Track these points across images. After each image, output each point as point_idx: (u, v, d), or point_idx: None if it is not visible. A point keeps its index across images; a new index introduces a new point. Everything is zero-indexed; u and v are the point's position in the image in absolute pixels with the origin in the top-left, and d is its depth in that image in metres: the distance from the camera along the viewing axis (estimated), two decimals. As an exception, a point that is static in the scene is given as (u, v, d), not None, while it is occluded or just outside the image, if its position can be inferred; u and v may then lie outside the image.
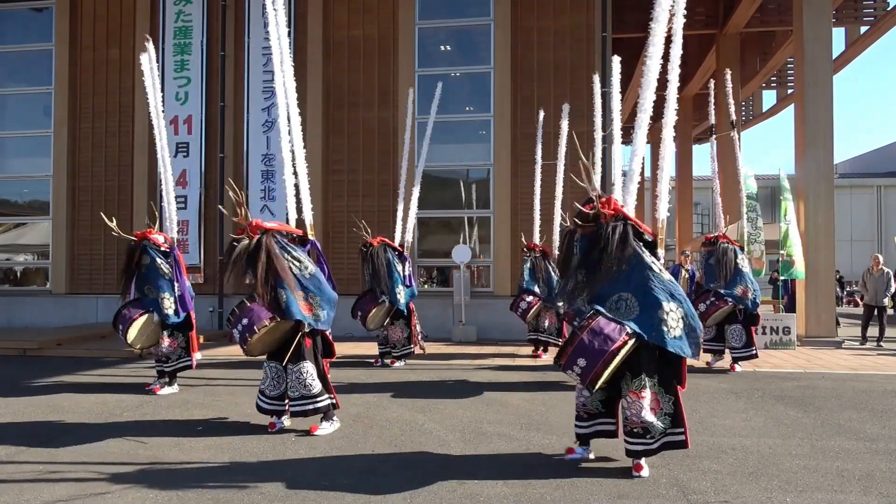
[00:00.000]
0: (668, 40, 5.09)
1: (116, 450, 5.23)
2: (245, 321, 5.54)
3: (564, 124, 10.43)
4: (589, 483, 4.37)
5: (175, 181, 12.90)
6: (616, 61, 7.79)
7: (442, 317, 12.82)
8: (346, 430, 5.79)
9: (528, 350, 10.52)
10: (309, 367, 5.72)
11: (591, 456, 4.90)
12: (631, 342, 4.43)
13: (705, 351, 9.33)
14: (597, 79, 9.26)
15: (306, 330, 5.71)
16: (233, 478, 4.53)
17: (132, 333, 7.40)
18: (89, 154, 14.36)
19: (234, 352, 10.93)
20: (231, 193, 5.99)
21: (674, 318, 4.50)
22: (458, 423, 6.02)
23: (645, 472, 4.49)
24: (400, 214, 10.27)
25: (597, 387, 4.49)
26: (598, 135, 7.63)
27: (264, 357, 5.94)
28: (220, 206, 13.42)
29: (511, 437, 5.54)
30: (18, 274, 15.28)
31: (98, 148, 14.32)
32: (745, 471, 4.64)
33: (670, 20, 5.02)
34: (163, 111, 8.17)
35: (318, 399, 5.71)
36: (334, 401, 5.82)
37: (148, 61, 7.94)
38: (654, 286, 4.53)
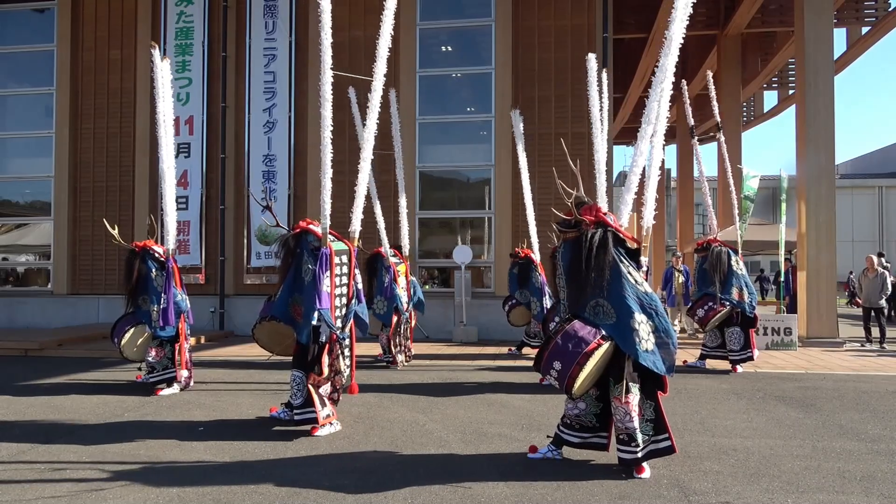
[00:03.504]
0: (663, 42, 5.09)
1: (118, 450, 5.24)
2: (261, 310, 6.24)
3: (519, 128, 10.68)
4: (590, 484, 4.37)
5: (176, 181, 12.95)
6: (592, 58, 7.85)
7: (443, 317, 12.82)
8: (348, 430, 5.79)
9: (527, 351, 10.50)
10: (295, 375, 5.78)
11: (559, 458, 4.89)
12: (606, 345, 4.46)
13: (712, 359, 9.31)
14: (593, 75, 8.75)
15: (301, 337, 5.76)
16: (234, 478, 4.53)
17: (123, 344, 7.75)
18: (90, 154, 14.38)
19: (235, 352, 10.94)
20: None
21: (644, 329, 4.48)
22: (459, 424, 6.02)
23: (646, 474, 4.49)
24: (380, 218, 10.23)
25: (576, 392, 4.52)
26: (601, 137, 7.58)
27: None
28: (221, 207, 13.63)
29: (512, 438, 5.54)
30: (20, 274, 15.29)
31: (99, 148, 14.34)
32: (747, 471, 4.63)
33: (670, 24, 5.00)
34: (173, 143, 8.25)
35: (300, 411, 5.75)
36: (314, 416, 5.63)
37: (159, 71, 7.78)
38: (628, 295, 4.52)
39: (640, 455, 4.53)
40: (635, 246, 4.77)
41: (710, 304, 8.95)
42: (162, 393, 7.50)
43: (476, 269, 13.35)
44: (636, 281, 4.61)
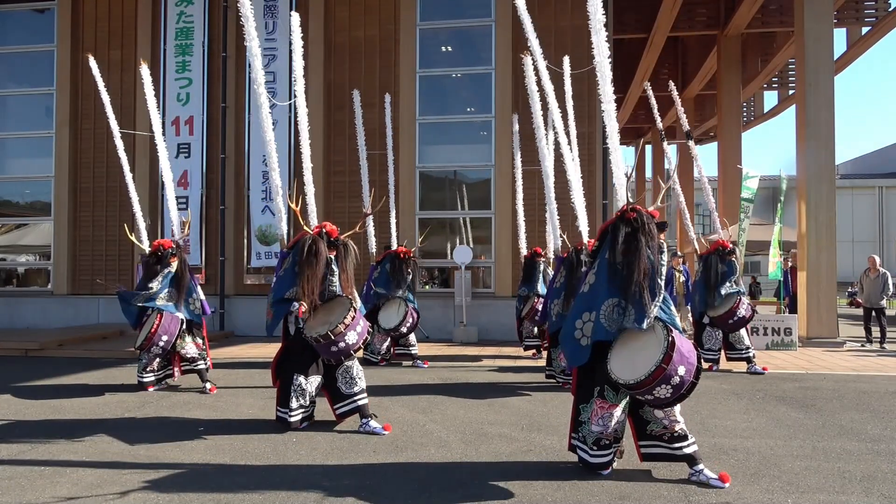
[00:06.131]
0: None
1: (117, 450, 5.24)
2: (359, 329, 5.73)
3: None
4: (590, 484, 4.37)
5: (177, 182, 13.00)
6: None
7: (443, 318, 12.83)
8: (348, 430, 5.79)
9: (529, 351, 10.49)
10: (357, 365, 5.97)
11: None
12: None
13: (715, 361, 9.26)
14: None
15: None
16: (234, 479, 4.53)
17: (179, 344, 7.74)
18: (91, 155, 14.39)
19: (235, 353, 10.95)
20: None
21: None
22: (460, 424, 6.02)
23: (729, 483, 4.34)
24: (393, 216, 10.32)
25: None
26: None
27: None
28: (221, 207, 13.63)
29: (512, 438, 5.54)
30: (20, 274, 15.30)
31: (99, 149, 14.34)
32: (747, 472, 4.63)
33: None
34: (164, 140, 8.74)
35: (360, 396, 5.90)
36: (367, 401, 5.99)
37: (149, 87, 8.26)
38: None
39: (696, 446, 4.50)
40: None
41: (747, 302, 8.93)
42: (152, 389, 7.63)
43: (476, 270, 13.36)
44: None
